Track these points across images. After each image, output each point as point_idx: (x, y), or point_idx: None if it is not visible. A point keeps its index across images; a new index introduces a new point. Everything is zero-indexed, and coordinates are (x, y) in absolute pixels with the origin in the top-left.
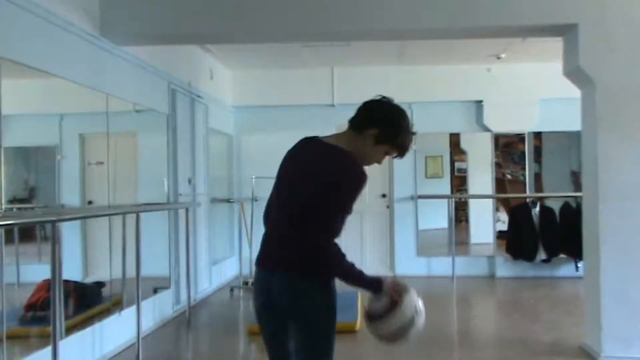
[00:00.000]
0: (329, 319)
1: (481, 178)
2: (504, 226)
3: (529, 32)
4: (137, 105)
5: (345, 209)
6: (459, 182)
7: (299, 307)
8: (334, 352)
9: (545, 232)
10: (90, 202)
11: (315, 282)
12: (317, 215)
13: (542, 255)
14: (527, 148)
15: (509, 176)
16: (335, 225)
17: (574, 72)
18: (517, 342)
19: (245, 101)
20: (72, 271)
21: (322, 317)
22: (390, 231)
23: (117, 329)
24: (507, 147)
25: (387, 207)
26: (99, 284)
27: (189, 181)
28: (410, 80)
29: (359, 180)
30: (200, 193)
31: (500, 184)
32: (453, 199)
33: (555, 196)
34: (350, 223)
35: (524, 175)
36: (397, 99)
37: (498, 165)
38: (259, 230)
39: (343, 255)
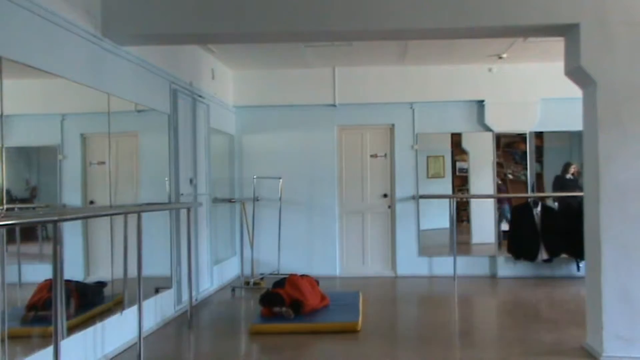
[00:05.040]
0: None
1: (483, 178)
2: (505, 226)
3: (530, 32)
4: (139, 105)
5: None
6: (461, 182)
7: None
8: None
9: (547, 232)
10: (91, 202)
11: None
12: None
13: (543, 255)
14: (529, 148)
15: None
16: None
17: (576, 72)
18: (518, 341)
19: (246, 101)
20: (73, 271)
21: None
22: (391, 231)
23: (119, 328)
24: (509, 147)
25: (389, 207)
26: (101, 284)
27: (191, 181)
28: (412, 80)
29: None
30: (201, 193)
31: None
32: (454, 199)
33: (557, 196)
34: (352, 223)
35: (525, 175)
36: (399, 99)
37: (500, 165)
38: (261, 230)
39: None
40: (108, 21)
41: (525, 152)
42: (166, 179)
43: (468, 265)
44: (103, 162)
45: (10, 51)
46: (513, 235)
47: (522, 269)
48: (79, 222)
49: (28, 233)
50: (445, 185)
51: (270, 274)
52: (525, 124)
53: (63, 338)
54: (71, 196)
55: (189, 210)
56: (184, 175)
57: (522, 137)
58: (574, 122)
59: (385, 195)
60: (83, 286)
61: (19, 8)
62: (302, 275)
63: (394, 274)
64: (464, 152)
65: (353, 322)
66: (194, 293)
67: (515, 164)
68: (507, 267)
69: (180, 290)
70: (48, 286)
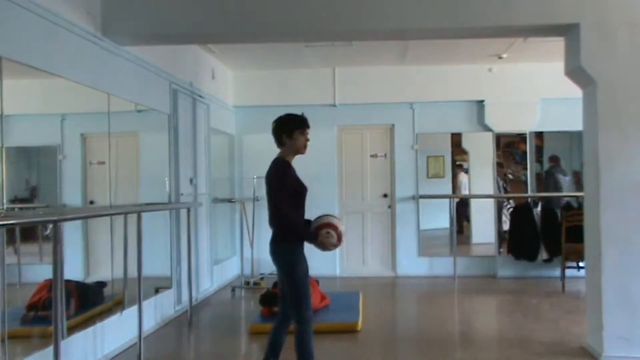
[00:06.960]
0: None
1: (483, 178)
2: (505, 226)
3: (530, 32)
4: (139, 105)
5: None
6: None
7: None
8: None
9: (547, 231)
10: (91, 202)
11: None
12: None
13: (543, 255)
14: (529, 148)
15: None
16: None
17: (576, 72)
18: (518, 342)
19: (246, 101)
20: (73, 271)
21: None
22: (391, 231)
23: (119, 328)
24: (509, 147)
25: (389, 207)
26: (101, 284)
27: (191, 181)
28: (412, 80)
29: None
30: (201, 193)
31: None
32: (454, 199)
33: (557, 196)
34: (353, 223)
35: (525, 175)
36: (399, 99)
37: (500, 165)
38: (261, 230)
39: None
40: (108, 21)
41: (526, 152)
42: (166, 178)
43: (468, 265)
44: (103, 162)
45: (10, 51)
46: (513, 235)
47: (522, 268)
48: (79, 222)
49: (28, 233)
50: (445, 185)
51: (270, 274)
52: (525, 124)
53: (63, 338)
54: (71, 196)
55: (189, 210)
56: (184, 175)
57: (522, 137)
58: (574, 122)
59: (385, 195)
60: (83, 286)
61: (19, 8)
62: None
63: (394, 274)
64: (464, 152)
65: (353, 322)
66: (194, 293)
67: (515, 164)
68: (507, 267)
69: (180, 290)
70: (48, 286)
